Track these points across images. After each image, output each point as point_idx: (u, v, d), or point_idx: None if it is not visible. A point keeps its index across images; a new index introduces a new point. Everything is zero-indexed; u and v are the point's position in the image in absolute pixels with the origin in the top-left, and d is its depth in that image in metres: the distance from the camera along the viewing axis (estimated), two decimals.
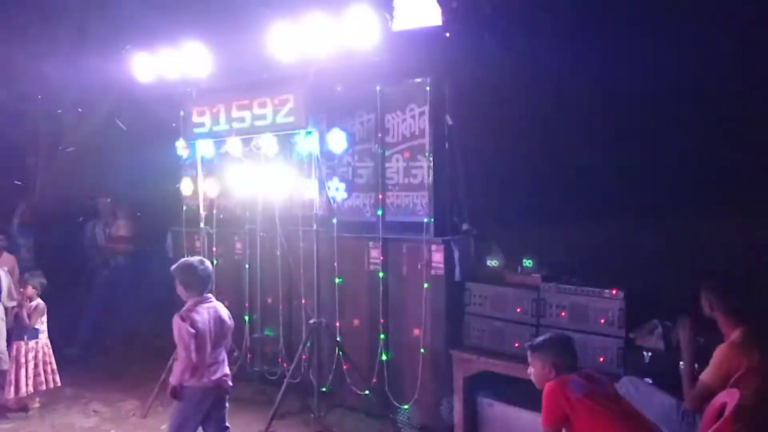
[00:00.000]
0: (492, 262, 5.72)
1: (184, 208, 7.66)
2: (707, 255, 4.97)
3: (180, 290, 4.68)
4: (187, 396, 4.57)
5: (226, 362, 4.74)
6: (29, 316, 6.53)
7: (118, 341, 8.38)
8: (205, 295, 4.63)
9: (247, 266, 7.18)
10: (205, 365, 4.53)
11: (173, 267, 4.73)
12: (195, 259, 4.78)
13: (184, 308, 4.59)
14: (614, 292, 4.89)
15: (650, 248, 5.18)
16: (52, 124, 9.66)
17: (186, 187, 7.46)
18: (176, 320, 4.49)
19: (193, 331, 4.43)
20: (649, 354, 4.80)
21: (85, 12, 7.84)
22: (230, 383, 4.74)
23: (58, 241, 7.71)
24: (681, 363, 4.51)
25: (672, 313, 4.83)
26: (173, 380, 4.56)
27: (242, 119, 6.58)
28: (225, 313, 4.72)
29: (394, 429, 6.03)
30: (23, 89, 8.55)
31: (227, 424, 4.79)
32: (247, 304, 7.18)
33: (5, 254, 7.59)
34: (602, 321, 4.90)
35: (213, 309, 4.63)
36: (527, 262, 5.61)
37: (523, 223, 5.65)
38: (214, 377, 4.58)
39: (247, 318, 7.17)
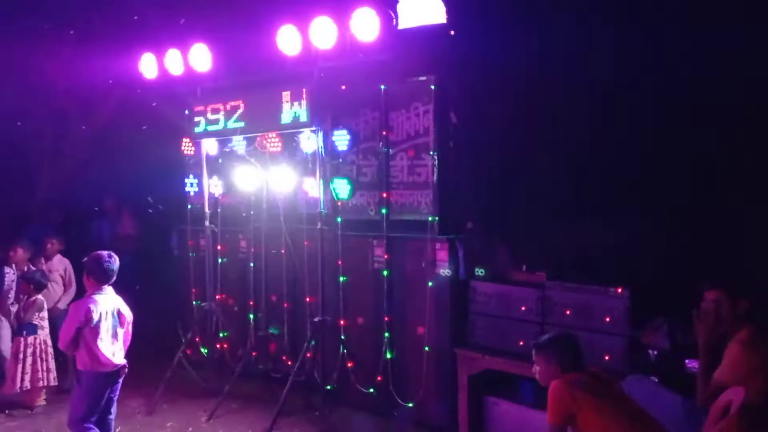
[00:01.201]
0: (479, 272, 5.73)
1: (189, 206, 7.68)
2: (712, 253, 4.94)
3: (84, 278, 5.04)
4: (85, 381, 4.90)
5: (123, 352, 5.11)
6: (25, 311, 6.56)
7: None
8: (103, 287, 4.94)
9: (251, 264, 7.18)
10: (101, 352, 4.87)
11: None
12: (105, 252, 5.02)
13: (83, 298, 4.97)
14: (620, 290, 4.87)
15: (656, 246, 5.15)
16: (58, 123, 9.67)
17: (191, 185, 7.48)
18: (73, 307, 4.94)
19: (77, 324, 4.81)
20: (655, 352, 4.78)
21: (90, 11, 7.84)
22: (125, 370, 5.08)
23: (65, 239, 7.70)
24: (687, 361, 4.51)
25: (678, 311, 4.82)
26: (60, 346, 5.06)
27: (247, 117, 6.58)
28: (123, 306, 5.11)
29: (398, 427, 6.03)
30: (29, 88, 8.56)
31: (112, 413, 5.14)
32: (251, 303, 7.19)
33: (58, 256, 7.60)
34: (608, 319, 4.88)
35: (110, 301, 4.98)
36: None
37: (528, 221, 5.63)
38: (112, 364, 4.93)
39: (251, 316, 7.18)
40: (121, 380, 5.10)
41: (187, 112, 7.24)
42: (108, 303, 4.96)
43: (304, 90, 6.11)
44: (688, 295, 4.71)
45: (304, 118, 6.12)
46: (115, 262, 4.99)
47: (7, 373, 6.58)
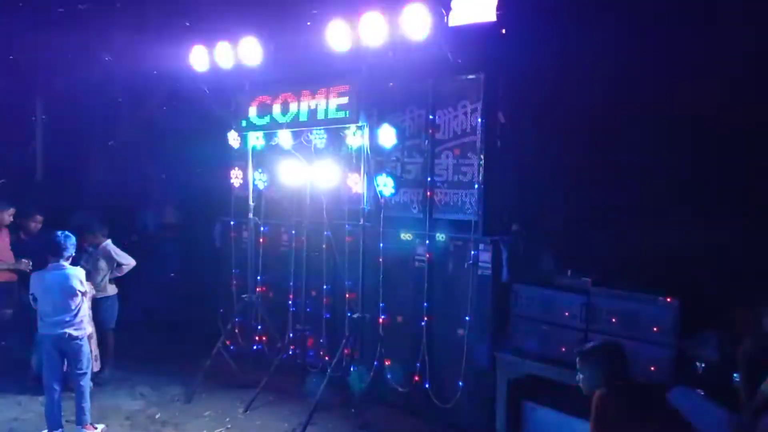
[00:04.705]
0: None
1: (233, 198, 7.74)
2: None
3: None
4: (40, 342, 5.77)
5: (72, 323, 5.68)
6: None
7: (165, 327, 8.51)
8: (60, 262, 5.66)
9: (292, 258, 7.21)
10: (47, 319, 5.60)
11: None
12: (61, 232, 5.74)
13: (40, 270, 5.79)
14: (669, 299, 4.73)
15: (707, 255, 5.00)
16: (108, 111, 9.86)
17: (236, 177, 7.54)
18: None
19: (32, 291, 5.64)
20: (703, 365, 4.64)
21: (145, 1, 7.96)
22: (72, 338, 5.68)
23: (111, 228, 7.82)
24: (735, 375, 4.39)
25: (728, 323, 4.69)
26: None
27: (293, 112, 6.61)
28: (75, 278, 5.69)
29: (433, 428, 5.98)
30: (83, 76, 8.73)
31: (79, 374, 5.79)
32: (291, 296, 7.21)
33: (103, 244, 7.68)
34: (655, 329, 4.75)
35: (61, 274, 5.64)
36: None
37: (574, 224, 5.53)
38: (55, 330, 5.61)
39: (290, 310, 7.20)
40: (73, 350, 5.70)
41: (234, 104, 7.29)
42: (56, 276, 5.62)
43: (351, 86, 6.11)
44: (739, 306, 4.60)
45: (350, 113, 6.12)
46: (66, 240, 5.67)
47: None
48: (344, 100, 6.18)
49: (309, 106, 6.49)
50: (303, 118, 6.56)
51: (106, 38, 8.34)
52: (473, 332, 5.79)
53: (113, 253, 7.18)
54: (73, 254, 5.87)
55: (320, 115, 6.39)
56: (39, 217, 7.45)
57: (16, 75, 8.95)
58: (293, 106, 6.62)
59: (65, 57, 8.55)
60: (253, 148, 7.27)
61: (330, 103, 6.28)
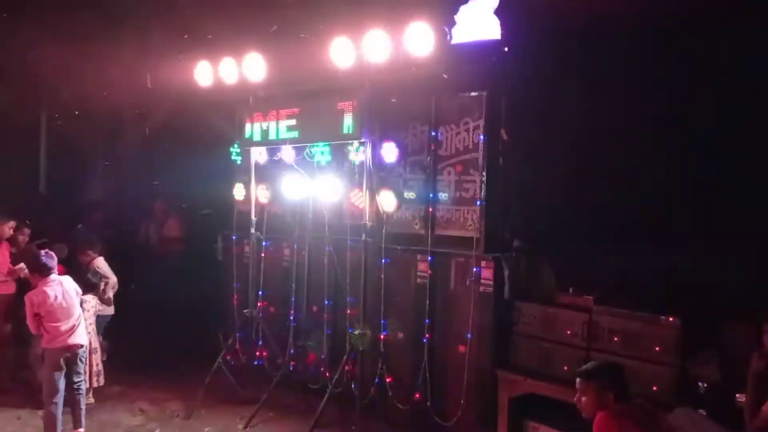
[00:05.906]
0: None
1: (235, 212, 7.74)
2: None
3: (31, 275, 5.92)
4: (47, 357, 5.74)
5: (79, 332, 5.78)
6: None
7: (166, 341, 8.48)
8: (47, 277, 5.72)
9: (294, 273, 7.20)
10: (57, 332, 5.63)
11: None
12: (43, 252, 5.92)
13: (33, 290, 5.74)
14: (671, 318, 4.71)
15: (709, 275, 4.99)
16: (113, 124, 9.90)
17: (239, 192, 7.54)
18: (26, 299, 5.71)
19: (35, 312, 5.64)
20: (705, 385, 4.62)
21: (150, 16, 8.02)
22: (80, 348, 5.80)
23: (115, 239, 7.83)
24: (737, 395, 4.37)
25: (730, 341, 4.67)
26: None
27: (297, 127, 6.62)
28: (72, 286, 5.84)
29: None
30: (85, 91, 8.77)
31: (77, 383, 5.87)
32: (292, 311, 7.18)
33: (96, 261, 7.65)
34: (657, 348, 4.73)
35: (58, 285, 5.73)
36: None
37: (576, 242, 5.51)
38: (66, 342, 5.66)
39: (291, 325, 7.17)
40: (77, 359, 5.78)
41: (238, 119, 7.31)
42: (56, 288, 5.68)
43: (354, 102, 6.12)
44: (740, 325, 4.57)
45: (353, 129, 6.12)
46: (48, 257, 5.80)
47: None
48: (347, 116, 6.16)
49: (313, 122, 6.49)
50: (307, 133, 6.56)
51: (111, 52, 8.38)
52: (475, 349, 5.76)
53: (97, 271, 7.15)
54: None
55: (323, 131, 6.39)
56: (26, 230, 7.45)
57: (21, 88, 9.01)
58: (297, 122, 6.62)
59: (70, 71, 8.59)
60: (256, 163, 7.28)
61: (333, 119, 6.28)
